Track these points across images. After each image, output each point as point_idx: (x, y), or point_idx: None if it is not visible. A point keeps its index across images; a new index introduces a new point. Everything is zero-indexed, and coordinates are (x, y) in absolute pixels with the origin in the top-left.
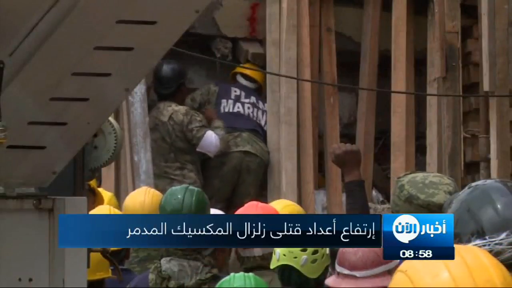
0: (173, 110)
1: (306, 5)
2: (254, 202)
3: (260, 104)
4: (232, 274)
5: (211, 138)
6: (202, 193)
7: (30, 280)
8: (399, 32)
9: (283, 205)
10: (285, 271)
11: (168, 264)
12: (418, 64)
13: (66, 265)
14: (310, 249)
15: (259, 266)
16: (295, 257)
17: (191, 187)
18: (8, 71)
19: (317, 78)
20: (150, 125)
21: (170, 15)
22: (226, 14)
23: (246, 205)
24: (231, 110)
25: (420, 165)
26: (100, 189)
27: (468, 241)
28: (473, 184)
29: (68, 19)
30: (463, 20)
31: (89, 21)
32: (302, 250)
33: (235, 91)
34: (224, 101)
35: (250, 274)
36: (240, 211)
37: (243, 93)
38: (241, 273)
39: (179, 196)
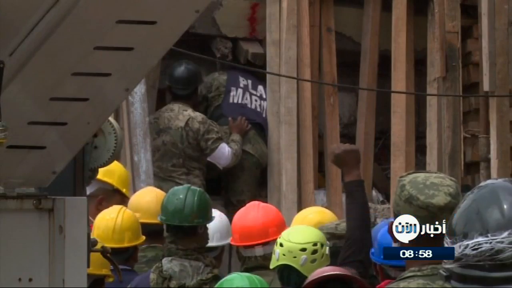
0: (189, 116)
1: (306, 5)
2: (256, 202)
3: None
4: (233, 273)
5: (224, 151)
6: (204, 193)
7: (30, 280)
8: (399, 32)
9: (313, 211)
10: (285, 271)
11: (169, 264)
12: (418, 64)
13: (66, 265)
14: (309, 249)
15: (261, 266)
16: (295, 257)
17: (193, 187)
18: (8, 71)
19: (317, 78)
20: (160, 125)
21: (170, 15)
22: (226, 14)
23: (247, 204)
24: (239, 102)
25: (420, 165)
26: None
27: (472, 238)
28: (483, 183)
29: (68, 19)
30: (463, 20)
31: (89, 21)
32: (301, 250)
33: (243, 80)
34: (233, 89)
35: (247, 274)
36: (241, 211)
37: (250, 83)
38: (240, 274)
39: (181, 196)
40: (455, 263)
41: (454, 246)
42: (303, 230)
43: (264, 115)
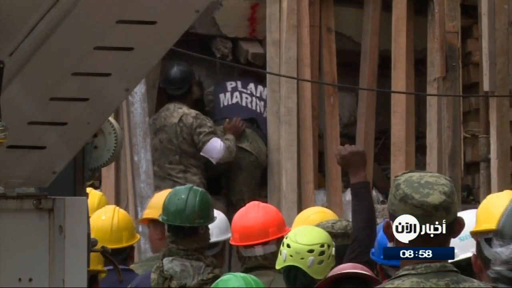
0: (183, 112)
1: (306, 5)
2: (256, 202)
3: (259, 91)
4: (228, 274)
5: (216, 144)
6: (206, 194)
7: (30, 280)
8: (399, 32)
9: (315, 211)
10: (291, 271)
11: (170, 264)
12: (418, 64)
13: (66, 265)
14: (317, 250)
15: (261, 265)
16: (302, 258)
17: (195, 187)
18: (8, 71)
19: (317, 78)
20: (157, 125)
21: (170, 15)
22: (226, 14)
23: (247, 204)
24: (230, 103)
25: (420, 165)
26: (89, 189)
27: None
28: None
29: (68, 19)
30: (463, 20)
31: (89, 21)
32: (309, 251)
33: (231, 84)
34: (222, 95)
35: (242, 274)
36: (241, 211)
37: (239, 83)
38: (235, 274)
39: (182, 196)
40: (503, 265)
41: (503, 248)
42: (310, 231)
43: (258, 111)
